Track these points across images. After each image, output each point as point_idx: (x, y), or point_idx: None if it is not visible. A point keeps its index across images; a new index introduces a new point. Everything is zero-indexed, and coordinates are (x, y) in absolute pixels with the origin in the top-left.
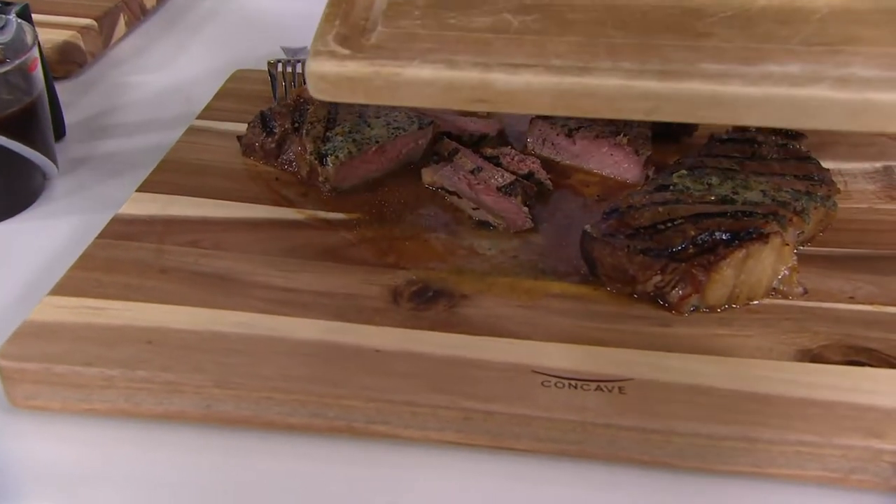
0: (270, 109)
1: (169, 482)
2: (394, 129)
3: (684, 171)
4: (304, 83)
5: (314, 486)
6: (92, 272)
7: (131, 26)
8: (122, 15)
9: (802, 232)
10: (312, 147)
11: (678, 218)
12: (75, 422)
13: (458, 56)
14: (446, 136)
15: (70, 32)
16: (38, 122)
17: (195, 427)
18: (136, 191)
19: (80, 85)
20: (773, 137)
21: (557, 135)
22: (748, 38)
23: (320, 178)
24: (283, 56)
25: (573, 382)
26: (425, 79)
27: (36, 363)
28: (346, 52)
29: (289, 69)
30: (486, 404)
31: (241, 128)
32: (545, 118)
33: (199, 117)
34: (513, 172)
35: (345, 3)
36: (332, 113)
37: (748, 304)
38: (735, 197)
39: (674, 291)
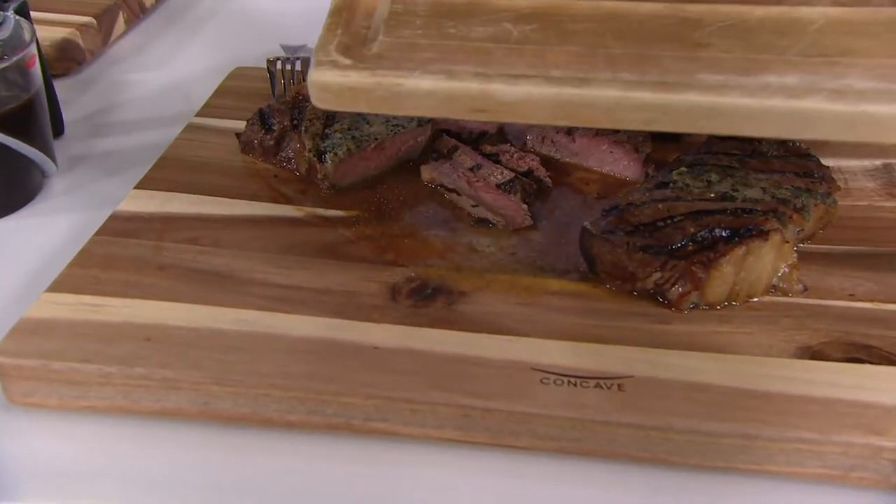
0: (269, 107)
1: (166, 479)
2: (393, 126)
3: (684, 169)
4: (304, 81)
5: (312, 483)
6: (90, 269)
7: (130, 24)
8: (121, 13)
9: (802, 229)
10: (311, 144)
11: (678, 215)
12: (73, 419)
13: (458, 66)
14: (445, 133)
15: (69, 30)
16: (36, 119)
17: (193, 424)
18: (135, 188)
19: (79, 83)
20: None
21: (557, 132)
22: (746, 48)
23: (319, 176)
24: (282, 54)
25: (572, 380)
26: (426, 89)
27: (33, 360)
28: (348, 61)
29: (288, 67)
30: (485, 401)
31: (240, 125)
32: None
33: (198, 115)
34: (512, 170)
35: (346, 12)
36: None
37: (748, 301)
38: (735, 194)
39: (673, 288)
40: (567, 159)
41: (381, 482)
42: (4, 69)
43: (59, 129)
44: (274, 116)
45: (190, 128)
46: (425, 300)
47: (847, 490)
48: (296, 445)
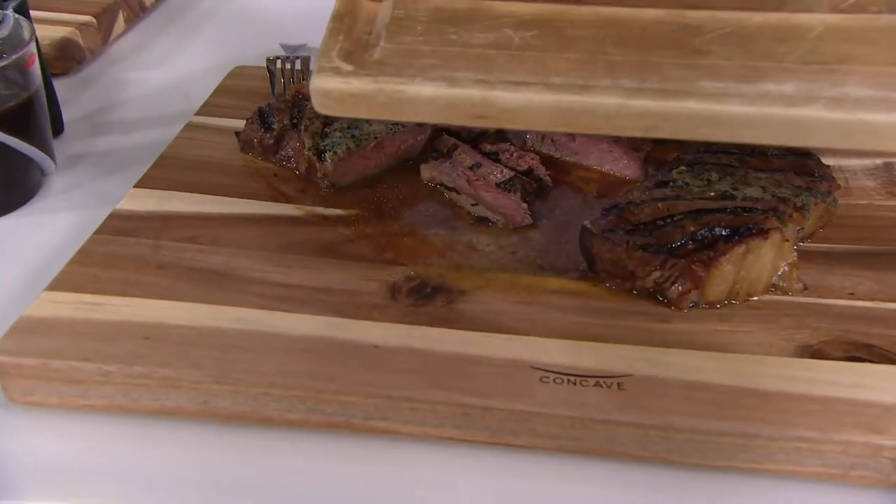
0: (269, 105)
1: (166, 478)
2: (392, 125)
3: (684, 167)
4: (303, 80)
5: (312, 482)
6: (89, 268)
7: (130, 23)
8: (121, 12)
9: (802, 228)
10: (311, 143)
11: (678, 214)
12: (72, 417)
13: (459, 73)
14: (445, 132)
15: (69, 29)
16: (35, 117)
17: (192, 423)
18: (134, 186)
19: (79, 82)
20: None
21: None
22: (745, 55)
23: (318, 174)
24: (281, 53)
25: (572, 378)
26: (427, 96)
27: (33, 359)
28: (350, 67)
29: (287, 66)
30: (485, 400)
31: (240, 124)
32: None
33: (198, 113)
34: (512, 169)
35: (348, 18)
36: None
37: (748, 300)
38: (735, 193)
39: (673, 287)
40: (567, 158)
41: (380, 481)
42: (3, 67)
43: (58, 128)
44: (273, 115)
45: (189, 127)
46: (425, 299)
47: (847, 489)
48: (295, 444)
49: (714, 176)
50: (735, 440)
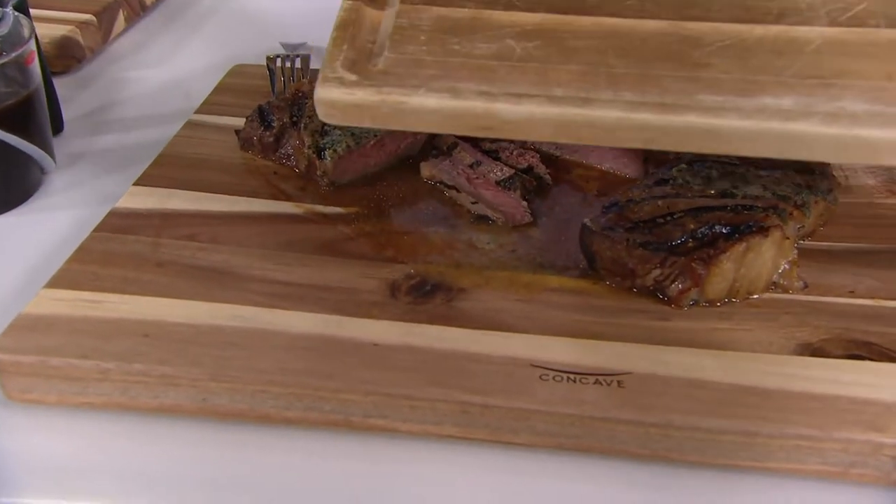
0: (269, 103)
1: (164, 476)
2: None
3: (684, 166)
4: (303, 78)
5: (311, 480)
6: (88, 265)
7: (130, 22)
8: (121, 10)
9: (803, 226)
10: (310, 141)
11: (678, 212)
12: (71, 415)
13: (462, 84)
14: None
15: (69, 27)
16: (35, 115)
17: (191, 420)
18: (134, 184)
19: (79, 80)
20: None
21: None
22: (744, 69)
23: (318, 172)
24: (281, 51)
25: (572, 376)
26: (431, 108)
27: (32, 356)
28: (354, 77)
29: (287, 64)
30: (485, 398)
31: (240, 122)
32: None
33: (198, 112)
34: (512, 167)
35: (352, 27)
36: None
37: (748, 298)
38: (735, 191)
39: (673, 285)
40: (567, 156)
41: (379, 479)
42: (3, 65)
43: (58, 127)
44: (273, 113)
45: (189, 125)
46: (424, 297)
47: (847, 487)
48: (294, 442)
49: (714, 174)
50: (735, 438)
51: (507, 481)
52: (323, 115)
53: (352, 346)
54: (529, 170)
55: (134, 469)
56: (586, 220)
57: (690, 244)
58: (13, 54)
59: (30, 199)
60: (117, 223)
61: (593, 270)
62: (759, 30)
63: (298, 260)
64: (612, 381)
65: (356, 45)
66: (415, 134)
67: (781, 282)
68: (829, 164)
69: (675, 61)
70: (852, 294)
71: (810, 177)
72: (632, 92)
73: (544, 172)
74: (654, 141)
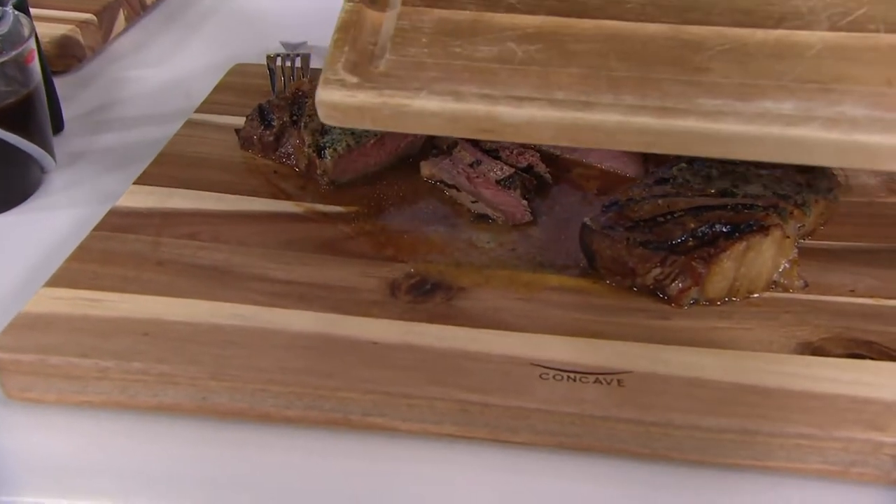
0: (269, 102)
1: (164, 474)
2: None
3: (684, 165)
4: (303, 77)
5: (310, 478)
6: (88, 264)
7: (131, 21)
8: (121, 10)
9: (803, 225)
10: (311, 140)
11: (678, 211)
12: (70, 414)
13: (463, 87)
14: None
15: (69, 27)
16: (35, 114)
17: (190, 419)
18: (134, 183)
19: (79, 79)
20: None
21: None
22: (744, 73)
23: (318, 171)
24: (281, 51)
25: (571, 375)
26: (432, 110)
27: (31, 355)
28: (355, 80)
29: (287, 63)
30: (484, 397)
31: (240, 121)
32: None
33: (198, 111)
34: (512, 166)
35: (353, 29)
36: None
37: (748, 297)
38: (735, 190)
39: (673, 284)
40: (567, 155)
41: (378, 478)
42: (3, 64)
43: (58, 126)
44: (273, 112)
45: (189, 124)
46: (424, 296)
47: (847, 486)
48: (293, 441)
49: (714, 173)
50: (735, 437)
51: (507, 480)
52: (324, 116)
53: (351, 345)
54: (529, 169)
55: (133, 468)
56: (586, 219)
57: (691, 243)
58: (13, 53)
59: (30, 198)
60: (117, 222)
61: (593, 269)
62: (759, 34)
63: (298, 259)
64: (612, 380)
65: (357, 47)
66: (415, 133)
67: (782, 281)
68: None
69: (675, 65)
70: (853, 293)
71: (811, 176)
72: (632, 95)
73: (544, 171)
74: (655, 144)
